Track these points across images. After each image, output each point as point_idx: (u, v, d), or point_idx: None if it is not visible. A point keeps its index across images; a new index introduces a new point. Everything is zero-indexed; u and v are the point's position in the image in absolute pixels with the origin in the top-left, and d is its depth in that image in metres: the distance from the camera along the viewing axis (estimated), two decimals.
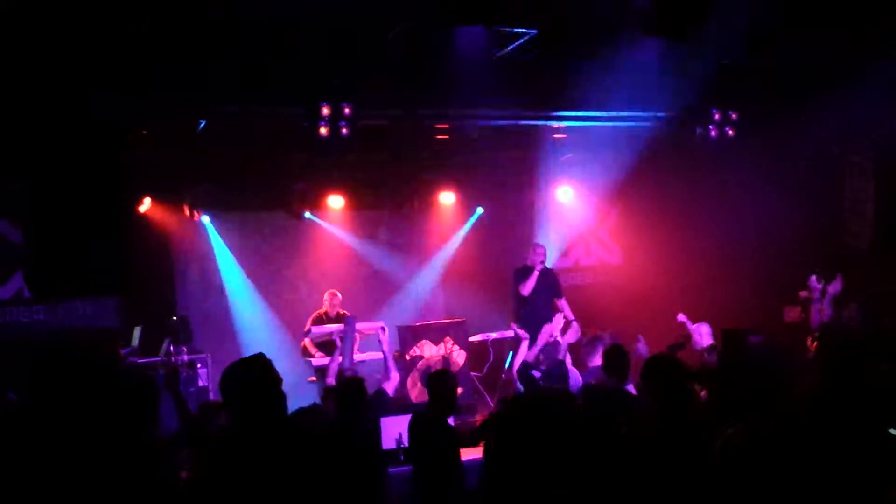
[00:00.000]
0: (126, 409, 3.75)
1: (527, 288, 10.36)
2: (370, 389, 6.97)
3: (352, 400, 5.92)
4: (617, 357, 6.09)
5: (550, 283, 10.63)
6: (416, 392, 10.29)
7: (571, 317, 10.57)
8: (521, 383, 6.91)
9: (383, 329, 7.72)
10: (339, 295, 10.56)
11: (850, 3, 8.26)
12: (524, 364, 7.02)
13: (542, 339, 7.29)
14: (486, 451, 2.03)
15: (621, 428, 4.52)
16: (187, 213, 10.75)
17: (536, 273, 10.35)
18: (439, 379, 6.13)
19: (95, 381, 3.97)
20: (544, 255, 10.61)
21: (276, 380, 3.65)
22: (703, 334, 8.47)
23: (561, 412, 2.00)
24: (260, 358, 3.69)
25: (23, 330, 9.57)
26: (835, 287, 7.59)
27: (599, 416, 4.89)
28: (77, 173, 9.32)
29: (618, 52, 8.65)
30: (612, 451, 4.17)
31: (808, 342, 6.51)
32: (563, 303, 10.57)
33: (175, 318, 9.67)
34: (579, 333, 10.36)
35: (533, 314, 9.86)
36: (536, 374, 7.10)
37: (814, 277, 7.88)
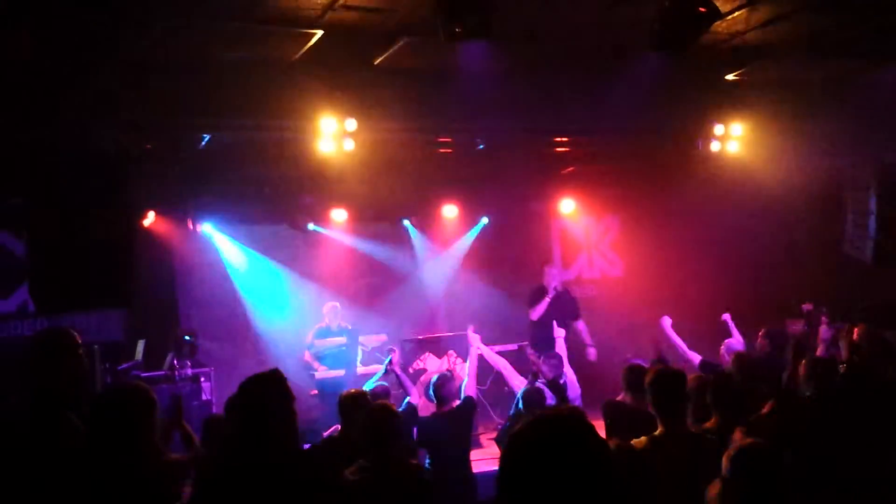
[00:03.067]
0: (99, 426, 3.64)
1: (536, 313, 10.32)
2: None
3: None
4: (637, 375, 6.03)
5: (566, 305, 10.49)
6: (421, 405, 10.28)
7: (589, 341, 10.38)
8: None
9: (393, 350, 7.74)
10: (339, 306, 10.55)
11: (850, 16, 8.29)
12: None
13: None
14: (500, 468, 2.04)
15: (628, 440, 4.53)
16: (191, 226, 10.77)
17: (548, 299, 10.30)
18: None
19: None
20: (557, 278, 10.54)
21: (290, 397, 3.63)
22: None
23: (575, 431, 2.00)
24: (275, 374, 3.67)
25: (26, 344, 9.56)
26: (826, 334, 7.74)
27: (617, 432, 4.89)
28: (81, 187, 9.35)
29: (620, 66, 8.68)
30: (620, 465, 4.20)
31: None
32: (581, 325, 10.45)
33: (186, 336, 9.68)
34: (595, 356, 10.24)
35: (546, 338, 9.70)
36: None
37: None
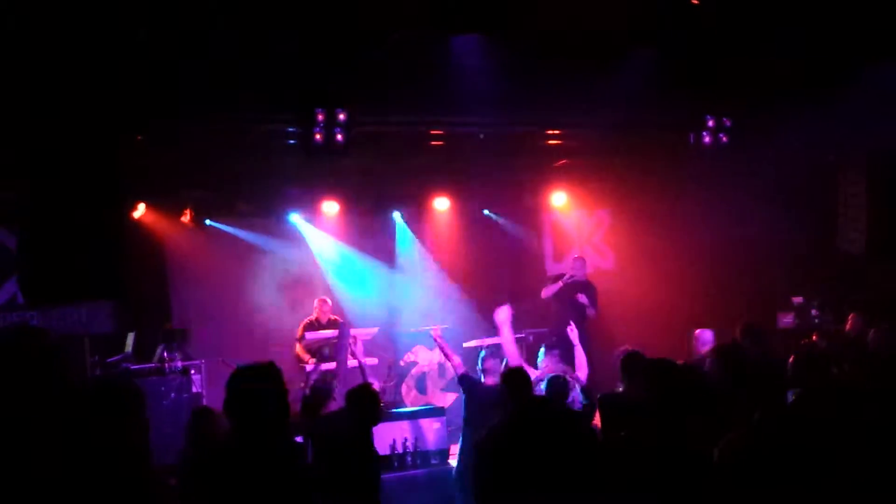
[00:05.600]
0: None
1: (545, 291, 10.59)
2: None
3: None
4: (634, 364, 6.03)
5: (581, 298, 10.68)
6: (412, 398, 10.31)
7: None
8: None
9: (355, 340, 7.81)
10: (329, 301, 10.54)
11: (844, 9, 8.29)
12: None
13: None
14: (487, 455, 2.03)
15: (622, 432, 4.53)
16: (187, 218, 10.73)
17: (561, 283, 10.57)
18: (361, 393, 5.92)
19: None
20: (578, 268, 10.78)
21: (283, 390, 3.61)
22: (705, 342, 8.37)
23: (556, 419, 2.00)
24: (270, 367, 3.65)
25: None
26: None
27: (613, 423, 4.89)
28: (71, 179, 9.31)
29: (613, 60, 8.67)
30: (611, 454, 4.21)
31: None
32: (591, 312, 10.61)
33: (175, 328, 9.69)
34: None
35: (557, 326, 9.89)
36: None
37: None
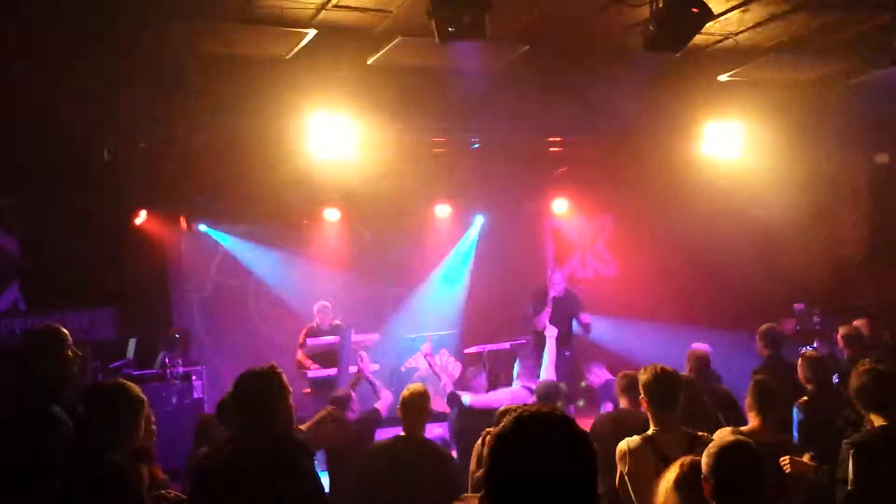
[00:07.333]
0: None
1: (541, 323, 10.29)
2: (366, 403, 7.03)
3: None
4: (631, 385, 6.03)
5: (569, 303, 10.54)
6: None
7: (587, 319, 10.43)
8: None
9: (361, 358, 7.73)
10: (329, 305, 10.48)
11: (842, 17, 8.30)
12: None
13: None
14: (487, 465, 2.03)
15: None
16: (184, 225, 10.74)
17: (549, 309, 10.30)
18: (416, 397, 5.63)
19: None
20: (559, 286, 10.55)
21: (286, 391, 3.63)
22: None
23: (560, 425, 1.99)
24: (271, 368, 3.66)
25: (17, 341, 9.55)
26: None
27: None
28: (73, 186, 9.33)
29: (613, 67, 8.69)
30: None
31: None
32: (585, 318, 10.45)
33: (176, 334, 9.69)
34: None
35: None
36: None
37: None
